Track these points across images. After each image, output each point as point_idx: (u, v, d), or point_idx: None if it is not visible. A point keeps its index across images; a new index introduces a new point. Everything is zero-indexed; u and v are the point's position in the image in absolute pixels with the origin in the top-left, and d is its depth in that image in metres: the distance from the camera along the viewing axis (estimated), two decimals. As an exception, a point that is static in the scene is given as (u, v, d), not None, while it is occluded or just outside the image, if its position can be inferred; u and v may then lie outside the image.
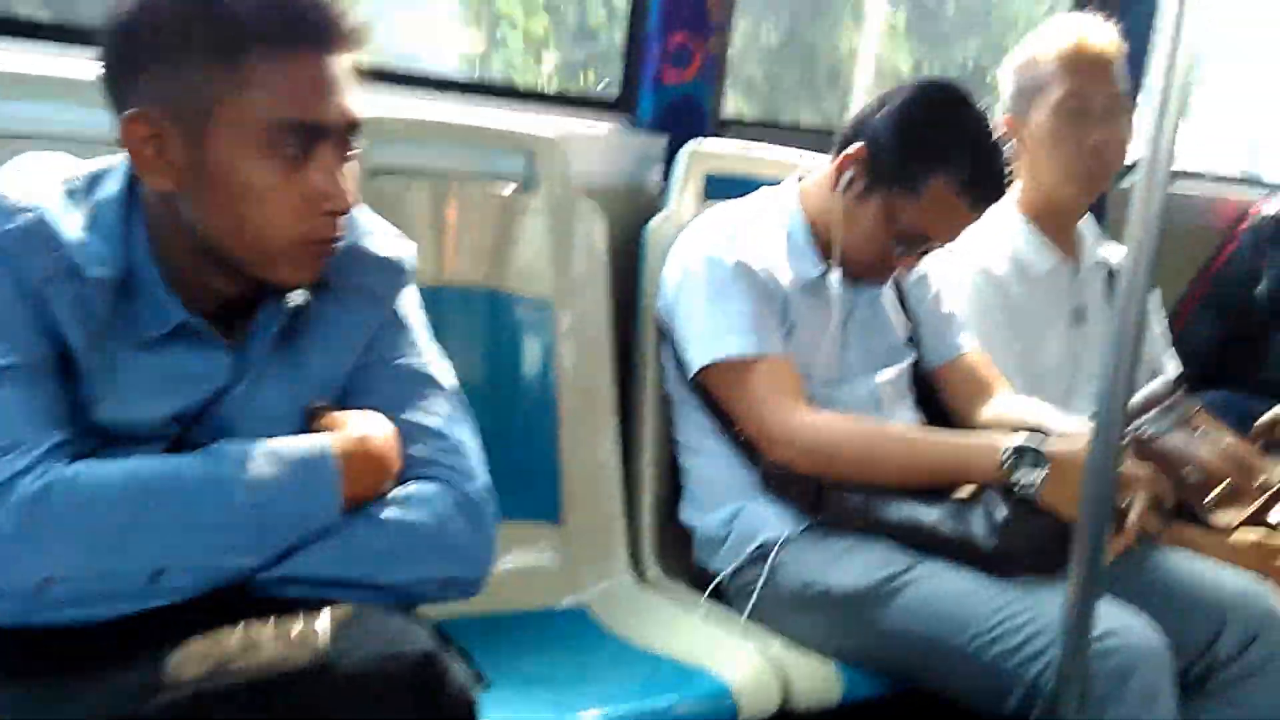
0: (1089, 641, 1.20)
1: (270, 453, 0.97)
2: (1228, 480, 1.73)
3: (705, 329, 1.57)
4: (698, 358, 1.57)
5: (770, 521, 1.55)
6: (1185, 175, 3.03)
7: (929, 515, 1.44)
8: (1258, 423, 2.29)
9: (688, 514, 1.68)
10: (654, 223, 1.77)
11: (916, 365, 1.77)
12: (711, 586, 1.60)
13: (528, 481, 1.64)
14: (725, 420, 1.60)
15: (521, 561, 1.61)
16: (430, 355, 1.16)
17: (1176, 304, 2.73)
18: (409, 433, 1.07)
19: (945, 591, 1.40)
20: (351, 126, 1.01)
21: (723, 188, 1.82)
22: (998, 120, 1.85)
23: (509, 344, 1.69)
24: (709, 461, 1.65)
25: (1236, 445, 1.80)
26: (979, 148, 1.55)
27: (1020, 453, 1.43)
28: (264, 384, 1.06)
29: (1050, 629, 1.30)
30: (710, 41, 1.89)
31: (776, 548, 1.52)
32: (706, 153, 1.85)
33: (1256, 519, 1.72)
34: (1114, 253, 2.05)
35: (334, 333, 1.10)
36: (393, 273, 1.15)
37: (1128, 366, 1.16)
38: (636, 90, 1.92)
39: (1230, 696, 1.46)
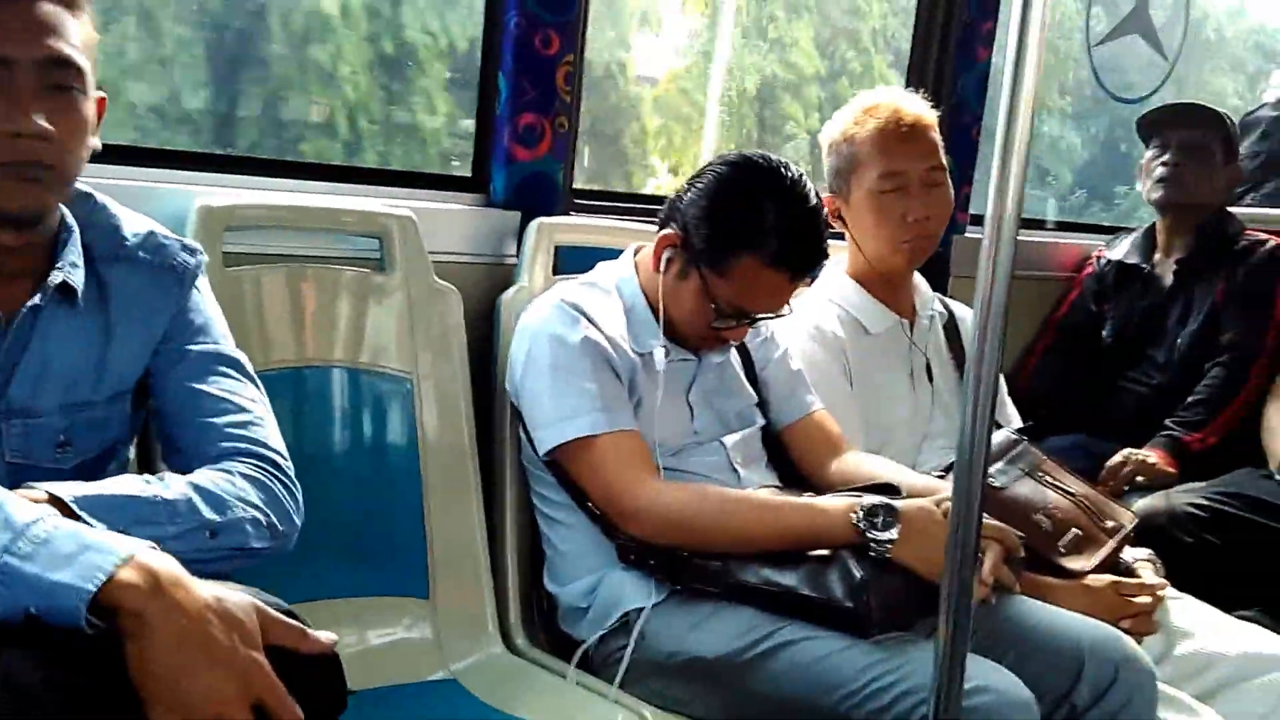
0: (960, 698, 1.23)
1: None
2: (1078, 527, 1.80)
3: (551, 411, 1.57)
4: (546, 439, 1.58)
5: (631, 591, 1.55)
6: (1025, 223, 3.16)
7: (787, 578, 1.46)
8: (1108, 464, 2.40)
9: (551, 584, 1.68)
10: (506, 297, 1.80)
11: (768, 427, 1.80)
12: (579, 656, 1.59)
13: (396, 558, 1.65)
14: (580, 496, 1.60)
15: (392, 636, 1.62)
16: (229, 340, 1.28)
17: (1024, 351, 2.84)
18: (215, 406, 1.20)
19: (811, 654, 1.42)
20: (48, 62, 1.09)
21: (573, 260, 1.86)
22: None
23: (373, 422, 1.69)
24: (568, 533, 1.65)
25: (1084, 491, 1.87)
26: (788, 221, 1.56)
27: (872, 512, 1.46)
28: (65, 347, 1.16)
29: (919, 687, 1.32)
30: (558, 120, 1.93)
31: (641, 617, 1.53)
32: (554, 227, 1.88)
33: (1108, 563, 1.80)
34: (952, 303, 2.13)
35: (139, 303, 1.22)
36: (194, 254, 1.27)
37: (985, 419, 1.17)
38: (489, 169, 1.95)
39: None
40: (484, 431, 1.75)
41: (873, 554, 1.44)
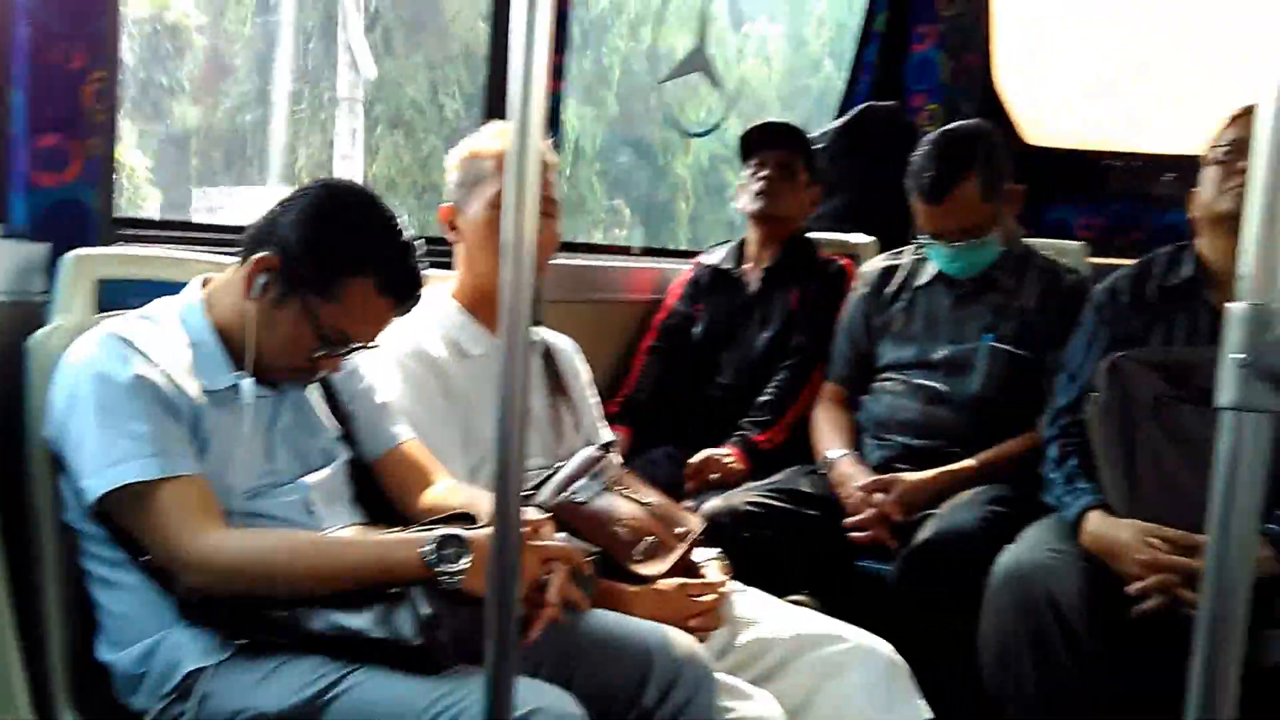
0: (509, 721, 1.25)
1: None
2: (652, 534, 1.91)
3: (99, 456, 1.47)
4: (94, 486, 1.47)
5: (192, 650, 1.48)
6: (612, 250, 3.35)
7: (355, 621, 1.44)
8: (689, 464, 2.58)
9: (103, 651, 1.56)
10: (36, 338, 1.64)
11: (357, 460, 1.78)
12: (138, 729, 1.49)
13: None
14: (135, 549, 1.50)
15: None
16: None
17: (624, 359, 3.02)
18: None
19: (377, 697, 1.40)
20: None
21: (120, 295, 1.73)
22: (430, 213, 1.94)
23: None
24: (122, 594, 1.54)
25: (658, 500, 1.99)
26: (391, 248, 1.60)
27: (442, 544, 1.47)
28: None
29: (477, 715, 1.34)
30: (89, 143, 1.79)
31: (203, 678, 1.46)
32: (95, 259, 1.74)
33: (680, 566, 1.91)
34: (545, 331, 2.21)
35: None
36: None
37: (518, 447, 1.22)
38: (4, 196, 1.77)
39: None
40: (13, 492, 1.60)
41: (444, 587, 1.45)
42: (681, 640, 1.64)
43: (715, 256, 3.04)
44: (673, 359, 2.97)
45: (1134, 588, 1.88)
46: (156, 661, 1.50)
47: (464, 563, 1.46)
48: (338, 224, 1.59)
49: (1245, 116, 2.10)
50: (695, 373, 2.93)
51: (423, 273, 1.64)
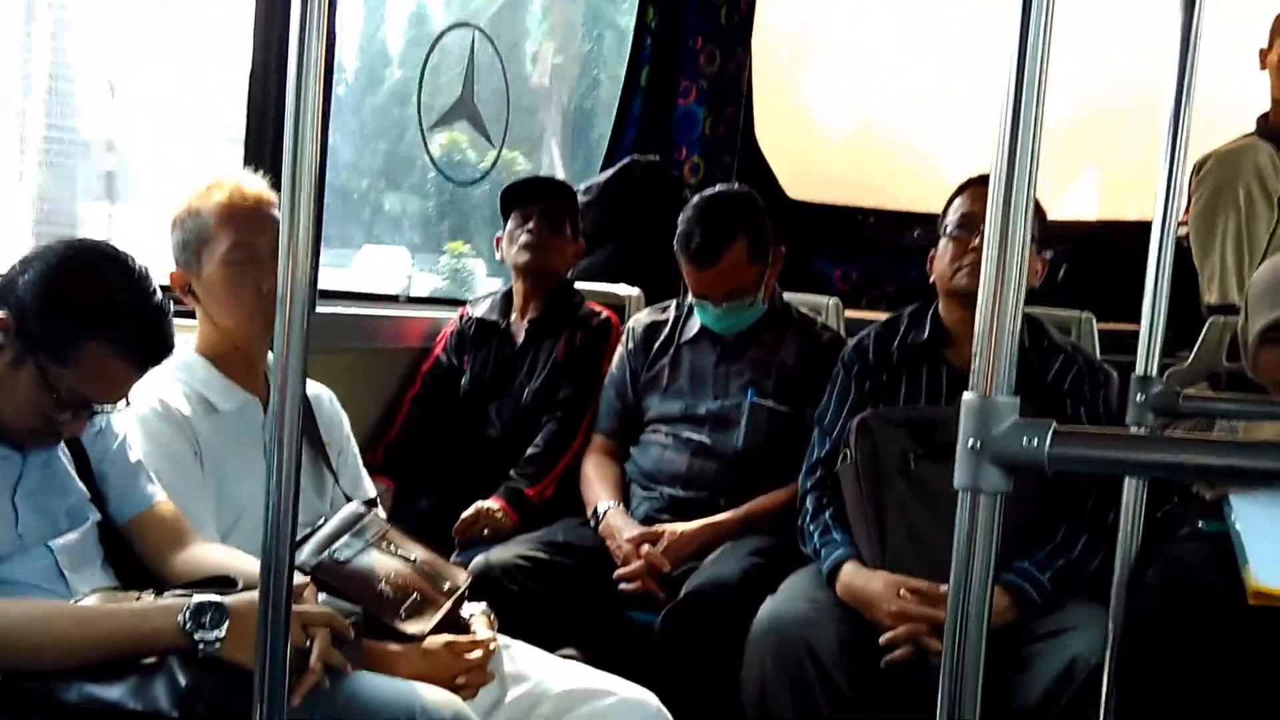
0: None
1: None
2: (417, 591, 1.92)
3: None
4: None
5: None
6: (381, 299, 3.34)
7: (111, 693, 1.40)
8: (461, 518, 2.61)
9: None
10: None
11: (108, 523, 1.73)
12: None
13: None
14: None
15: None
16: None
17: (388, 408, 3.02)
18: None
19: None
20: None
21: None
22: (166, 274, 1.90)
23: None
24: None
25: (425, 556, 2.00)
26: (135, 310, 1.57)
27: (199, 610, 1.45)
28: None
29: None
30: None
31: None
32: None
33: (447, 621, 1.93)
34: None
35: None
36: None
37: (290, 506, 1.23)
38: None
39: None
40: None
41: (202, 655, 1.43)
42: (444, 700, 1.66)
43: (481, 308, 3.09)
44: (437, 409, 2.99)
45: (886, 637, 2.04)
46: None
47: (223, 630, 1.45)
48: (75, 286, 1.55)
49: (974, 188, 2.31)
50: (463, 423, 2.96)
51: (173, 335, 1.62)
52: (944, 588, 2.05)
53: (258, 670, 1.24)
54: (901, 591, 2.05)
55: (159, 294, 1.60)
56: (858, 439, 2.20)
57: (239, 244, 1.93)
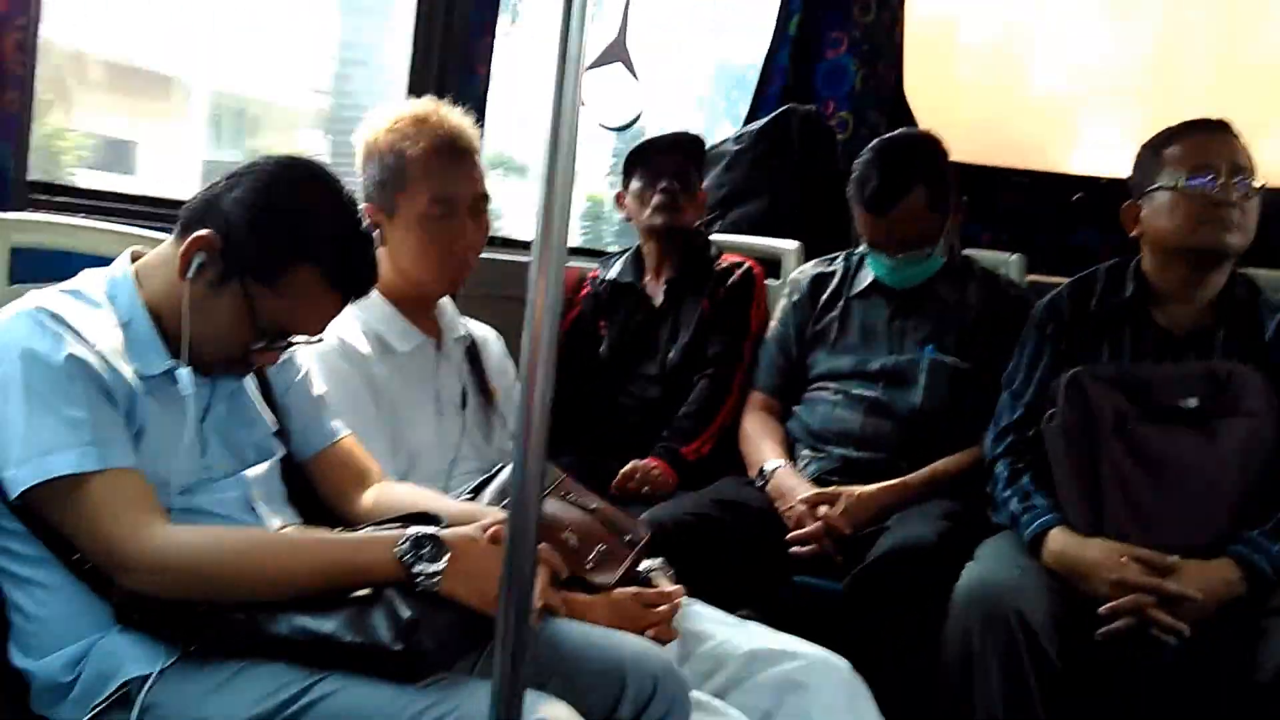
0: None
1: None
2: (601, 542, 1.90)
3: (27, 444, 1.38)
4: (20, 479, 1.39)
5: (132, 657, 1.40)
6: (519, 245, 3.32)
7: (325, 625, 1.39)
8: (621, 473, 2.58)
9: (20, 657, 1.48)
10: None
11: (289, 458, 1.73)
12: (62, 745, 1.41)
13: None
14: (63, 546, 1.42)
15: None
16: None
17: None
18: None
19: (353, 707, 1.36)
20: None
21: (35, 266, 1.65)
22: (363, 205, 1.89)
23: None
24: (45, 595, 1.46)
25: (602, 506, 1.99)
26: (345, 235, 1.56)
27: (418, 544, 1.44)
28: None
29: None
30: (5, 97, 1.69)
31: (145, 688, 1.38)
32: (9, 224, 1.66)
33: (629, 575, 1.91)
34: (472, 324, 2.18)
35: None
36: None
37: (540, 444, 1.21)
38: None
39: None
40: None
41: (420, 589, 1.42)
42: (657, 653, 1.64)
43: (613, 269, 3.06)
44: (573, 375, 2.95)
45: (1107, 607, 1.96)
46: (87, 669, 1.42)
47: (442, 564, 1.43)
48: (288, 205, 1.53)
49: (1194, 137, 2.19)
50: (607, 385, 2.93)
51: (378, 266, 1.61)
52: (1172, 559, 1.97)
53: (502, 606, 1.22)
54: (1123, 559, 1.98)
55: (365, 220, 1.58)
56: (1068, 398, 2.12)
57: (441, 199, 1.93)
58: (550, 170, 1.12)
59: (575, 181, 1.14)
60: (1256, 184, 2.13)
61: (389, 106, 2.00)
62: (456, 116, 1.99)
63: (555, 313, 1.19)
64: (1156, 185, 2.19)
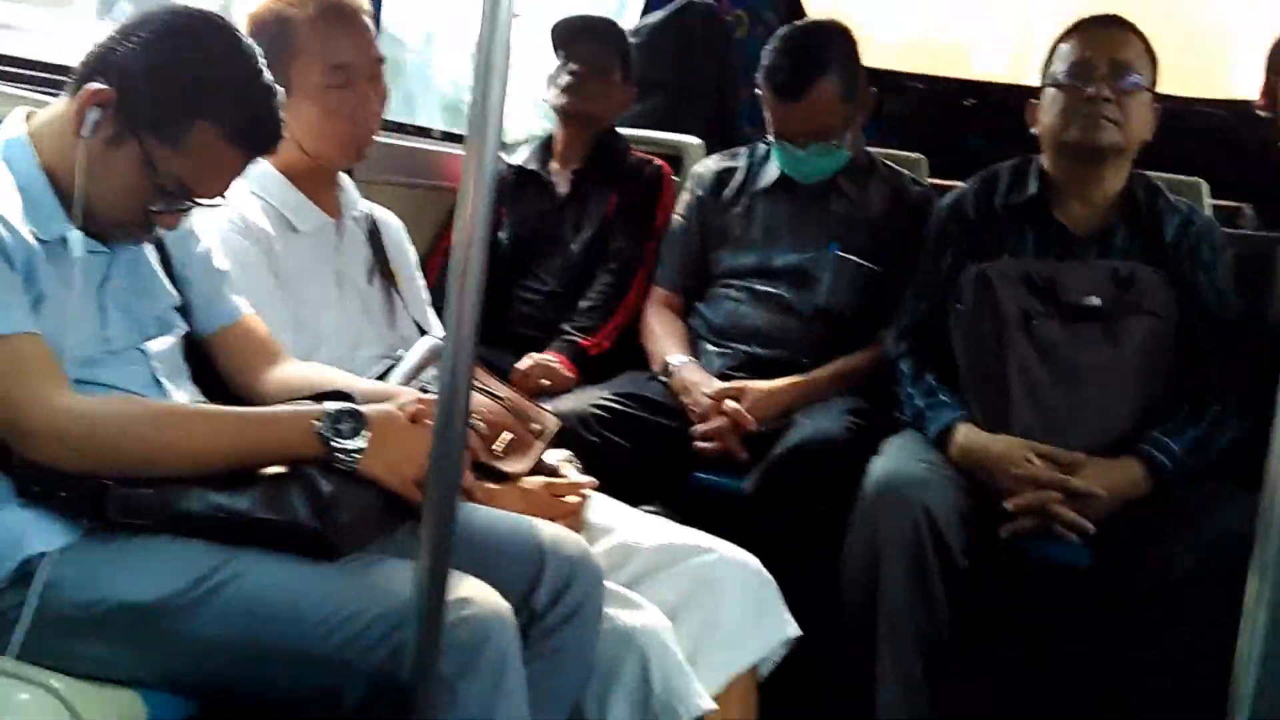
0: (442, 617, 1.23)
1: None
2: (509, 430, 1.89)
3: None
4: None
5: (34, 532, 1.35)
6: (418, 133, 3.23)
7: (239, 502, 1.36)
8: (516, 368, 2.56)
9: None
10: None
11: (189, 334, 1.68)
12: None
13: None
14: None
15: None
16: None
17: (423, 258, 2.90)
18: None
19: (268, 586, 1.34)
20: None
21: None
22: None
23: None
24: None
25: (510, 395, 1.97)
26: (246, 90, 1.49)
27: (337, 419, 1.42)
28: None
29: (395, 609, 1.31)
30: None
31: (44, 563, 1.34)
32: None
33: (537, 466, 1.91)
34: (373, 206, 2.13)
35: None
36: None
37: (471, 329, 1.21)
38: None
39: (550, 643, 1.56)
40: None
41: (339, 466, 1.39)
42: (574, 539, 1.65)
43: (519, 156, 3.02)
44: None
45: (1011, 502, 2.02)
46: None
47: (361, 440, 1.41)
48: (188, 56, 1.46)
49: (1086, 30, 2.25)
50: (505, 277, 2.89)
51: (282, 122, 1.54)
52: (1077, 455, 2.03)
53: (431, 486, 1.22)
54: (1028, 456, 2.04)
55: (268, 73, 1.51)
56: (976, 293, 2.17)
57: (336, 68, 1.88)
58: (485, 58, 1.12)
59: (508, 65, 1.13)
60: (1141, 80, 2.18)
61: None
62: None
63: (489, 198, 1.20)
64: (1046, 82, 2.25)
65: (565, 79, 2.87)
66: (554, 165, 2.96)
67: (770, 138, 2.63)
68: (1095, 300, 2.14)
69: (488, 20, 1.14)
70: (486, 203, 1.20)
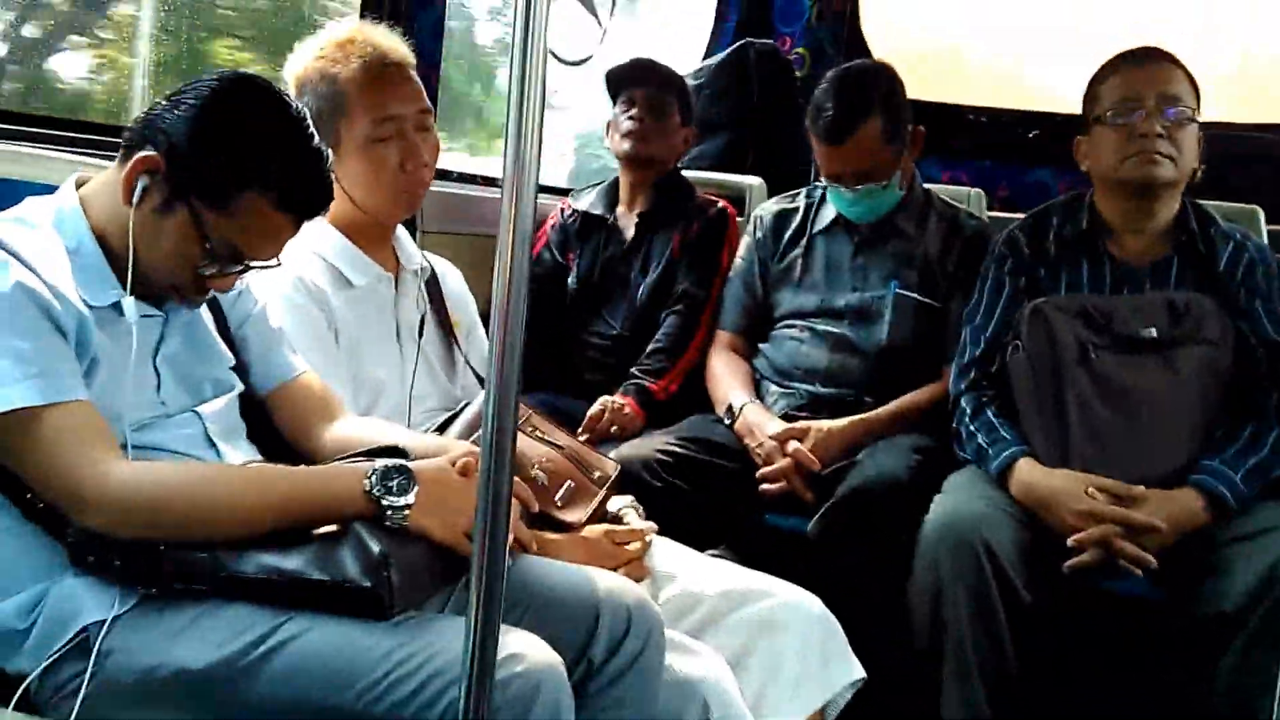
0: (493, 673, 1.20)
1: None
2: (569, 479, 1.87)
3: None
4: None
5: (89, 601, 1.34)
6: (485, 182, 3.25)
7: (291, 562, 1.34)
8: (590, 413, 2.55)
9: None
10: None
11: (247, 393, 1.67)
12: (19, 694, 1.35)
13: None
14: (14, 486, 1.36)
15: None
16: None
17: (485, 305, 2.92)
18: None
19: (322, 648, 1.32)
20: None
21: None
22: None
23: None
24: None
25: (570, 443, 1.96)
26: (293, 156, 1.48)
27: (386, 475, 1.40)
28: None
29: (448, 666, 1.28)
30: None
31: (102, 632, 1.33)
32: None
33: (597, 513, 1.89)
34: (432, 258, 2.13)
35: None
36: None
37: (514, 377, 1.18)
38: None
39: (610, 695, 1.52)
40: None
41: (389, 524, 1.38)
42: (631, 589, 1.61)
43: (584, 201, 3.01)
44: (540, 311, 2.91)
45: (1074, 539, 1.96)
46: (43, 615, 1.35)
47: (410, 496, 1.39)
48: (235, 123, 1.46)
49: (1128, 67, 2.20)
50: (573, 322, 2.89)
51: (333, 186, 1.54)
52: (1138, 489, 1.97)
53: (478, 540, 1.19)
54: (1089, 490, 1.98)
55: (318, 139, 1.51)
56: (1030, 329, 2.12)
57: (383, 120, 1.87)
58: (520, 101, 1.09)
59: (544, 113, 1.11)
60: (1188, 111, 2.13)
61: (313, 37, 1.93)
62: (383, 34, 1.92)
63: (527, 244, 1.16)
64: (1094, 120, 2.21)
65: (625, 124, 2.87)
66: (620, 209, 2.96)
67: (823, 181, 2.61)
68: (1152, 331, 2.10)
69: (517, 65, 1.11)
70: (526, 244, 1.17)
